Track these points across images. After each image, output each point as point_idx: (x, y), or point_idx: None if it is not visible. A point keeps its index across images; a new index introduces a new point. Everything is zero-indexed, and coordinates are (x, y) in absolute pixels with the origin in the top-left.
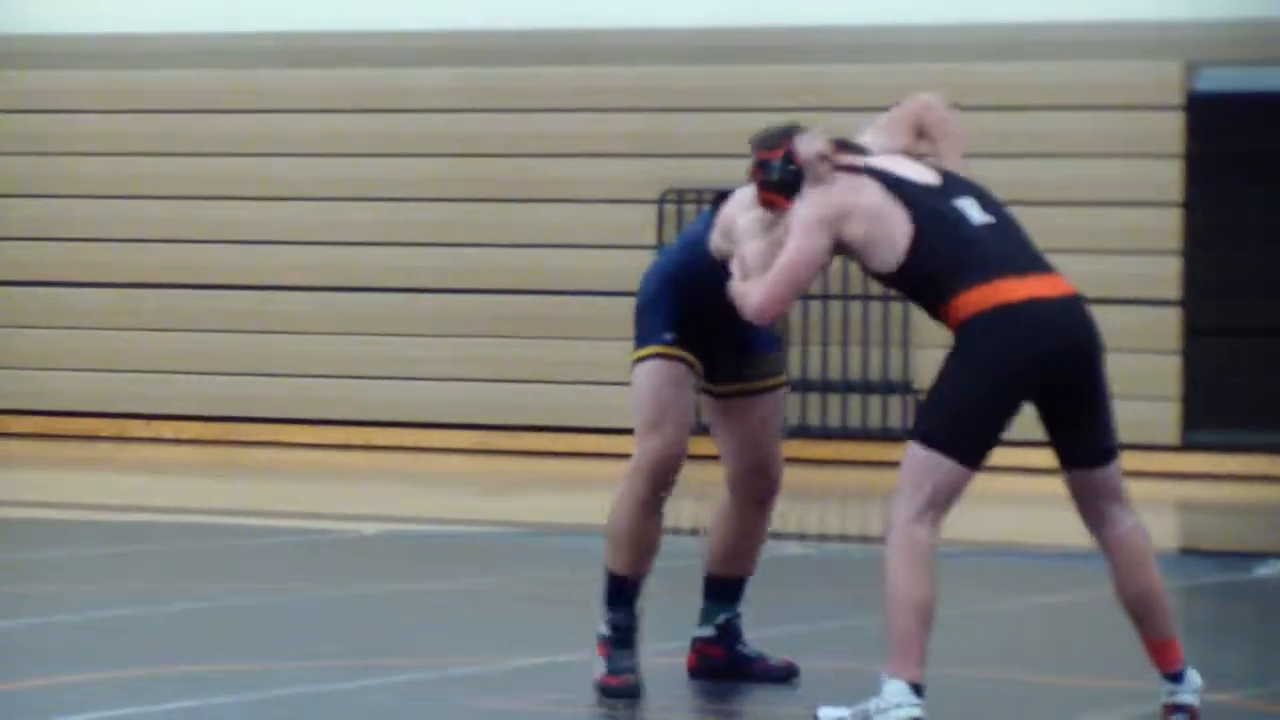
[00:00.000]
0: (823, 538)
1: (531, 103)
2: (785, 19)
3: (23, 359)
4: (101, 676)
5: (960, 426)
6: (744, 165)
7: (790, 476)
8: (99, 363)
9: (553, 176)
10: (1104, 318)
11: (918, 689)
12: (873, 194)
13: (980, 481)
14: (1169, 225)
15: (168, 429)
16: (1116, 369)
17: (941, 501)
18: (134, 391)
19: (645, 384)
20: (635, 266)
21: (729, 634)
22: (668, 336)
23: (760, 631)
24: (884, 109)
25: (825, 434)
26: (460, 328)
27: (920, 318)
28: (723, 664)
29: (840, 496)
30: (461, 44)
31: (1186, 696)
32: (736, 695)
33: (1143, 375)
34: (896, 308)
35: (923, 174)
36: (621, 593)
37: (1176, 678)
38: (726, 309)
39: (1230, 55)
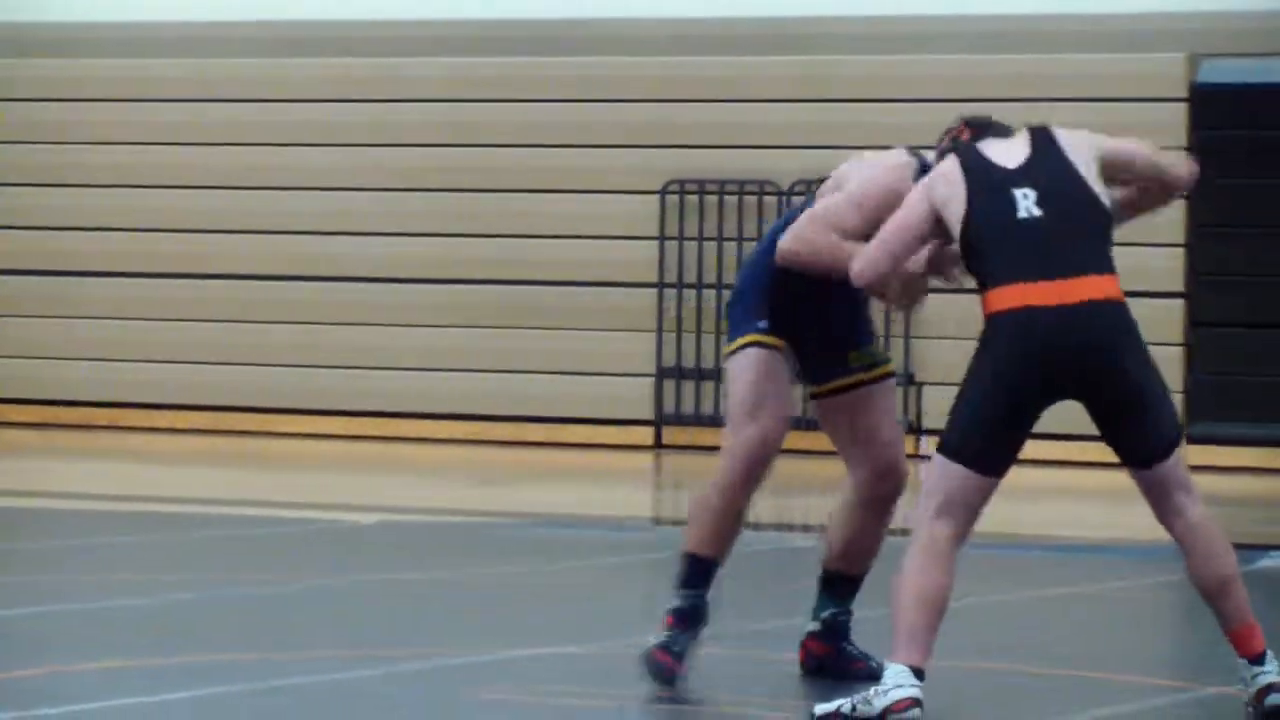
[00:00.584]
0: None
1: (532, 92)
2: (788, 9)
3: (21, 348)
4: (101, 666)
5: (968, 436)
6: (746, 155)
7: (795, 468)
8: (97, 352)
9: (554, 167)
10: None
11: (918, 673)
12: (951, 166)
13: None
14: (1173, 217)
15: (165, 419)
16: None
17: (958, 505)
18: (132, 380)
19: (740, 373)
20: (637, 257)
21: (835, 631)
22: (761, 324)
23: (767, 624)
24: (886, 100)
25: None
26: (459, 318)
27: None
28: (828, 660)
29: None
30: (461, 33)
31: (1274, 676)
32: (738, 687)
33: None
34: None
35: (1008, 154)
36: (696, 574)
37: (1259, 659)
38: (820, 300)
39: (1233, 47)
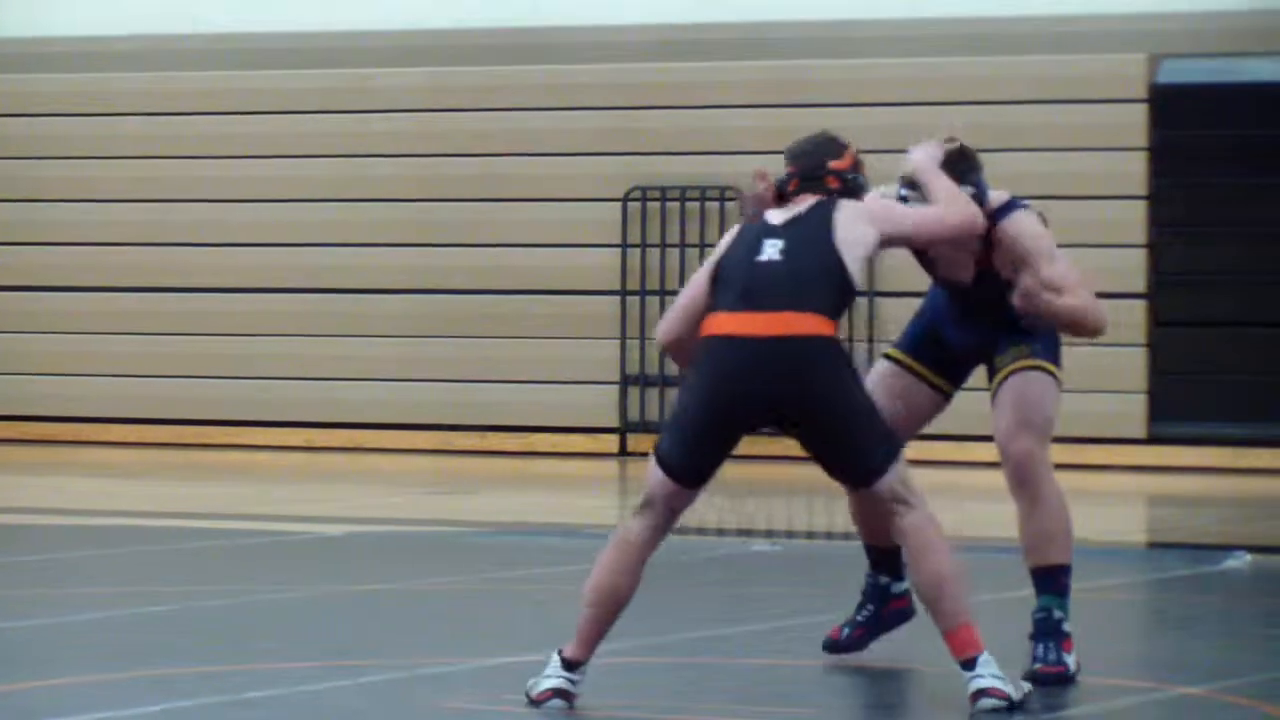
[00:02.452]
0: (790, 534)
1: (496, 101)
2: (752, 14)
3: None
4: (71, 681)
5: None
6: (710, 161)
7: (755, 473)
8: (60, 367)
9: (519, 175)
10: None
11: (569, 664)
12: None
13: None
14: (1134, 218)
15: (131, 433)
16: (1084, 361)
17: (659, 506)
18: (96, 394)
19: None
20: (602, 264)
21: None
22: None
23: (727, 629)
24: (849, 105)
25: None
26: (422, 327)
27: (888, 313)
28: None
29: (808, 492)
30: (426, 43)
31: (985, 681)
32: (694, 695)
33: (1110, 368)
34: (862, 303)
35: (785, 214)
36: None
37: (969, 664)
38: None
39: (1194, 47)
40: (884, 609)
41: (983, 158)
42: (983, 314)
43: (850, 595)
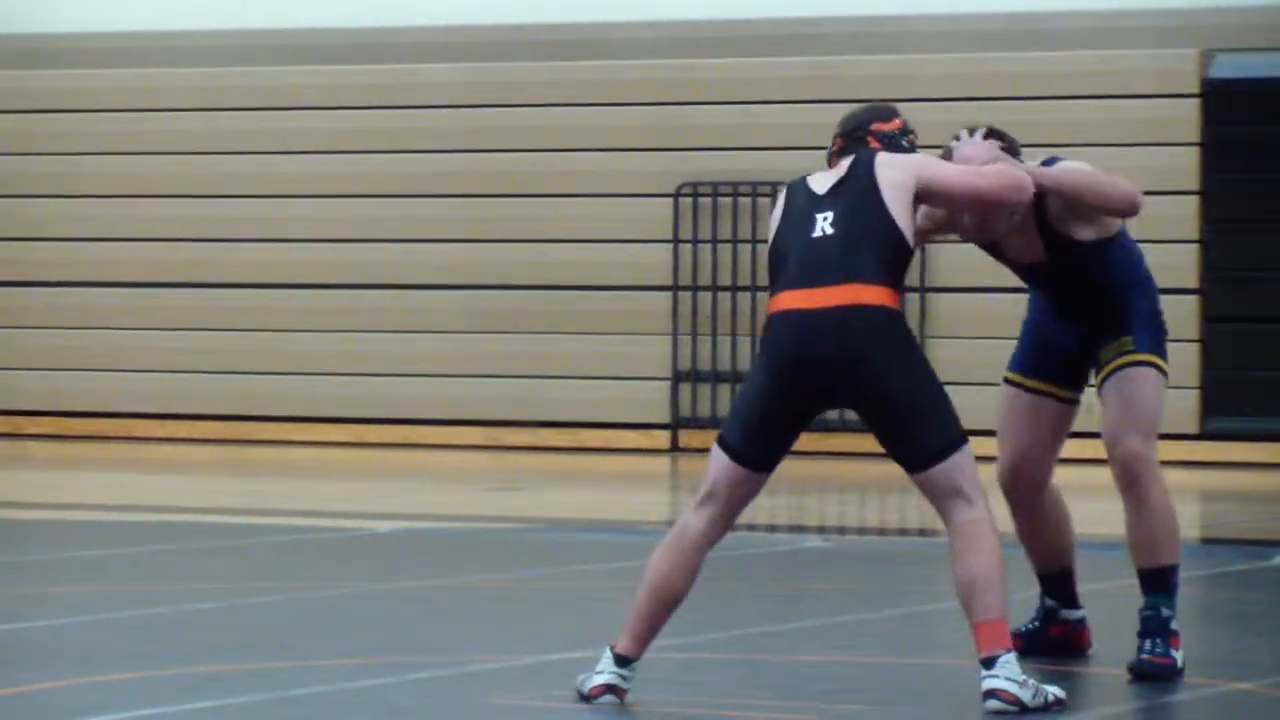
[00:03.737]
0: (842, 530)
1: (545, 97)
2: (799, 9)
3: (34, 359)
4: (118, 677)
5: (731, 429)
6: (760, 157)
7: (808, 469)
8: (108, 362)
9: (567, 171)
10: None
11: (621, 660)
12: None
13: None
14: (1187, 213)
15: (178, 428)
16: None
17: (721, 498)
18: (144, 390)
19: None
20: (651, 260)
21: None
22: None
23: (778, 625)
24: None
25: (843, 426)
26: (473, 323)
27: (935, 309)
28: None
29: (860, 488)
30: (473, 38)
31: (998, 683)
32: (746, 691)
33: None
34: (914, 299)
35: (826, 180)
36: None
37: (988, 663)
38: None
39: (1245, 41)
40: (1048, 629)
41: (1030, 154)
42: (1075, 305)
43: (901, 591)
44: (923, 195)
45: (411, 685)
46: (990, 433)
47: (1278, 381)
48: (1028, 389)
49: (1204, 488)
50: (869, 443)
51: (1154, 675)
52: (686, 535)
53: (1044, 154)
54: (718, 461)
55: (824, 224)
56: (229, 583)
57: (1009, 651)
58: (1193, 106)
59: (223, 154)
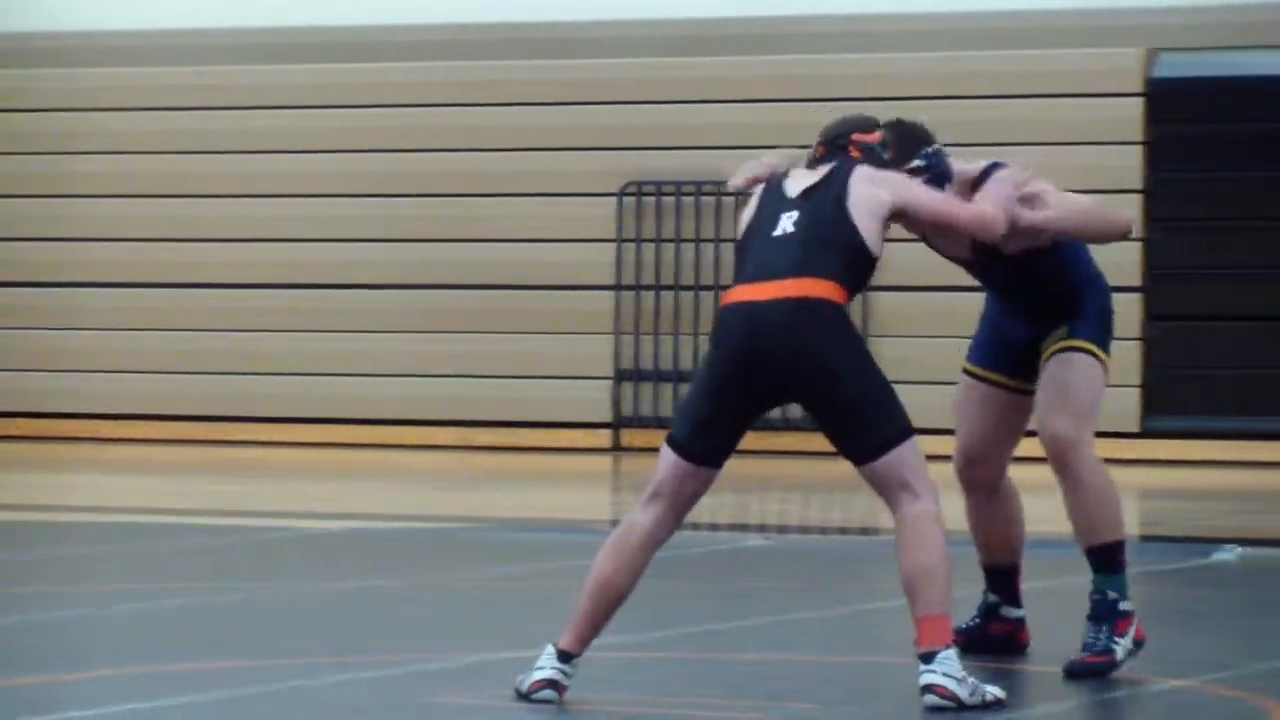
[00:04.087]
0: (784, 529)
1: (491, 97)
2: (746, 10)
3: (6, 360)
4: (81, 676)
5: (679, 424)
6: (705, 156)
7: (750, 468)
8: (77, 363)
9: (512, 170)
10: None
11: (564, 656)
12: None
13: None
14: (1130, 211)
15: (142, 429)
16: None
17: (665, 495)
18: (113, 391)
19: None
20: (595, 259)
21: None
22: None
23: (721, 624)
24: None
25: (786, 425)
26: (417, 323)
27: (878, 307)
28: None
29: (802, 487)
30: (420, 38)
31: (934, 678)
32: (690, 690)
33: None
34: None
35: (801, 183)
36: None
37: (926, 658)
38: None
39: (1190, 41)
40: (989, 626)
41: (977, 153)
42: (1027, 300)
43: (843, 589)
44: (897, 216)
45: (357, 684)
46: (940, 431)
47: (1219, 379)
48: (981, 379)
49: (1145, 485)
50: (811, 441)
51: (1088, 675)
52: (632, 534)
53: (987, 153)
54: (665, 458)
55: (787, 224)
56: (188, 582)
57: (949, 648)
58: (1136, 106)
59: (185, 154)
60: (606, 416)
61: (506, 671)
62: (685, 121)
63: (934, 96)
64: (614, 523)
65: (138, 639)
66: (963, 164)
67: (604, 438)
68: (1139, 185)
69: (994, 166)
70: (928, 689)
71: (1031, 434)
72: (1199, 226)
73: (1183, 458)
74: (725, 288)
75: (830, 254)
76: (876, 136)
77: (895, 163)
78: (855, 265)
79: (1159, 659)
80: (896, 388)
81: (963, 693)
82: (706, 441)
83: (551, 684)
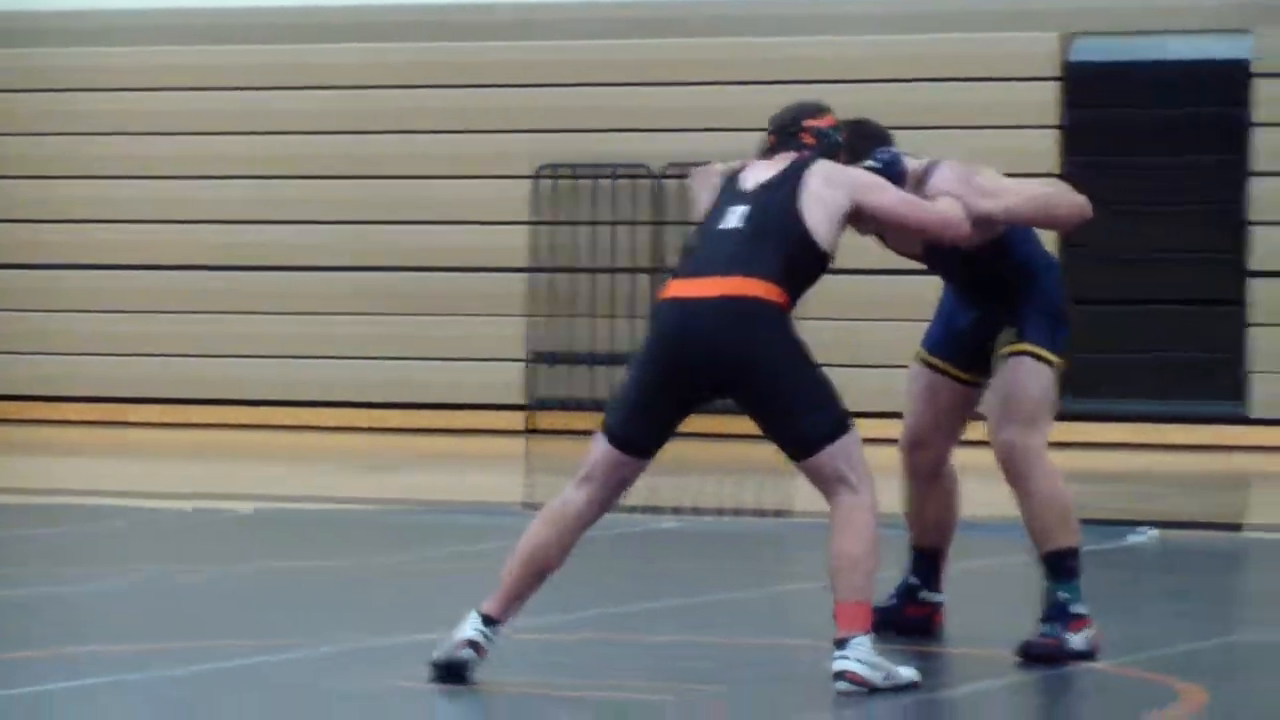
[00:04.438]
0: (699, 512)
1: (405, 79)
2: None
3: None
4: (5, 657)
5: (612, 412)
6: (620, 139)
7: (666, 451)
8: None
9: (426, 153)
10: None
11: (487, 619)
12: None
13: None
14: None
15: (45, 410)
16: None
17: (598, 478)
18: (13, 374)
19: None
20: (510, 242)
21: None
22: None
23: (635, 606)
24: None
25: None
26: (330, 305)
27: (829, 291)
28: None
29: (716, 470)
30: (334, 20)
31: (846, 664)
32: (604, 672)
33: None
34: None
35: (758, 176)
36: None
37: (840, 644)
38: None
39: (1106, 25)
40: (906, 608)
41: (897, 136)
42: (978, 293)
43: (758, 572)
44: (853, 216)
45: (273, 667)
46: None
47: (1136, 363)
48: (933, 367)
49: (1063, 469)
50: (728, 424)
51: (1038, 656)
52: (566, 509)
53: (904, 137)
54: (598, 444)
55: (735, 218)
56: (94, 566)
57: (865, 634)
58: (1053, 90)
59: (93, 135)
60: (520, 399)
61: (421, 654)
62: (600, 104)
63: (850, 80)
64: (526, 505)
65: (43, 622)
66: (910, 161)
67: (517, 420)
68: (1055, 169)
69: (934, 165)
70: (839, 675)
71: (981, 418)
72: (1114, 211)
73: (1101, 440)
74: (639, 271)
75: (775, 252)
76: (829, 120)
77: (851, 158)
78: (802, 264)
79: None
80: (846, 371)
81: (875, 677)
82: (637, 431)
83: (472, 644)
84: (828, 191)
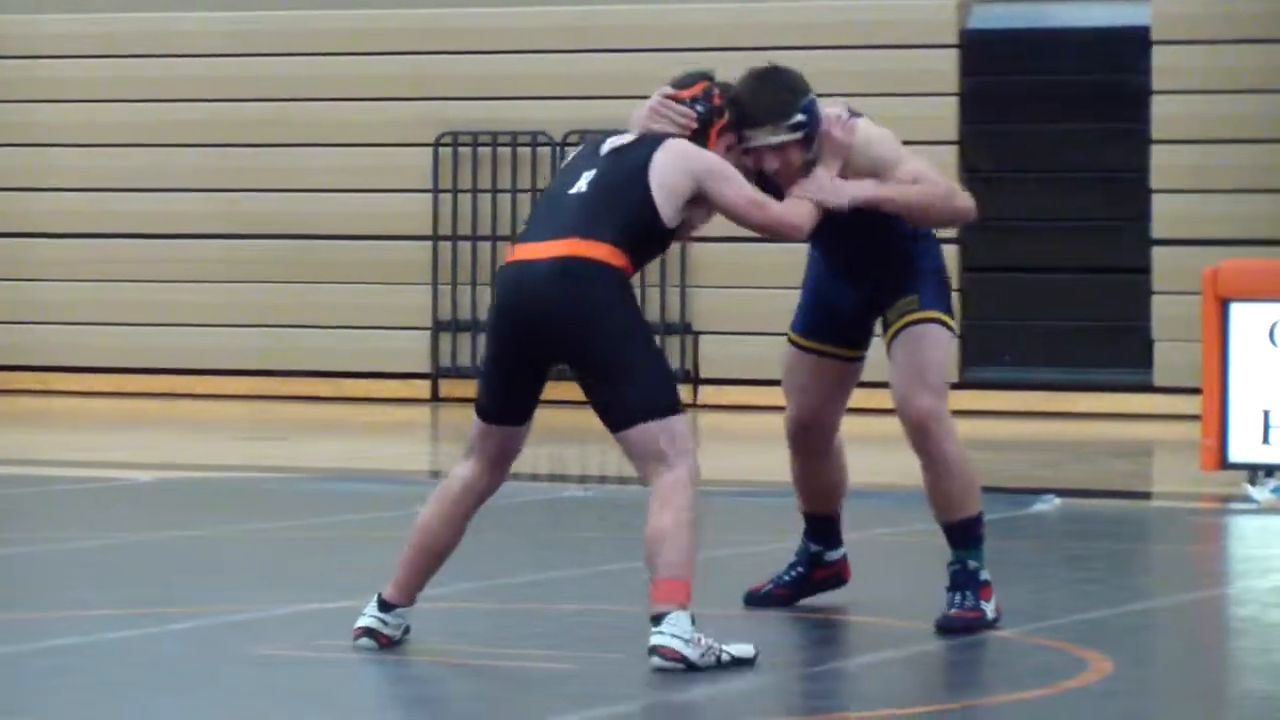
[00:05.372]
0: (603, 479)
1: (305, 46)
2: None
3: None
4: None
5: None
6: (521, 106)
7: (567, 419)
8: None
9: (327, 120)
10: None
11: (383, 604)
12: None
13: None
14: (945, 163)
15: None
16: None
17: (478, 451)
18: None
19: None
20: (411, 210)
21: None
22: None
23: (538, 574)
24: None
25: None
26: (234, 273)
27: (697, 259)
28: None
29: None
30: None
31: (661, 639)
32: (507, 640)
33: None
34: (675, 249)
35: (615, 142)
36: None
37: (655, 619)
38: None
39: None
40: (813, 573)
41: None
42: (857, 264)
43: None
44: (697, 200)
45: (171, 636)
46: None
47: (1034, 330)
48: (809, 350)
49: (962, 436)
50: None
51: (961, 629)
52: (453, 485)
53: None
54: (474, 419)
55: (583, 182)
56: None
57: (682, 609)
58: (950, 57)
59: None
60: (425, 367)
61: (322, 622)
62: (501, 72)
63: (749, 47)
64: (432, 473)
65: None
66: (825, 108)
67: (422, 388)
68: (953, 137)
69: (851, 114)
70: (653, 650)
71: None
72: (1012, 178)
73: (1000, 409)
74: None
75: (615, 218)
76: (695, 90)
77: (768, 115)
78: (642, 234)
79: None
80: (727, 339)
81: (692, 653)
82: (495, 400)
83: (368, 632)
84: (675, 165)
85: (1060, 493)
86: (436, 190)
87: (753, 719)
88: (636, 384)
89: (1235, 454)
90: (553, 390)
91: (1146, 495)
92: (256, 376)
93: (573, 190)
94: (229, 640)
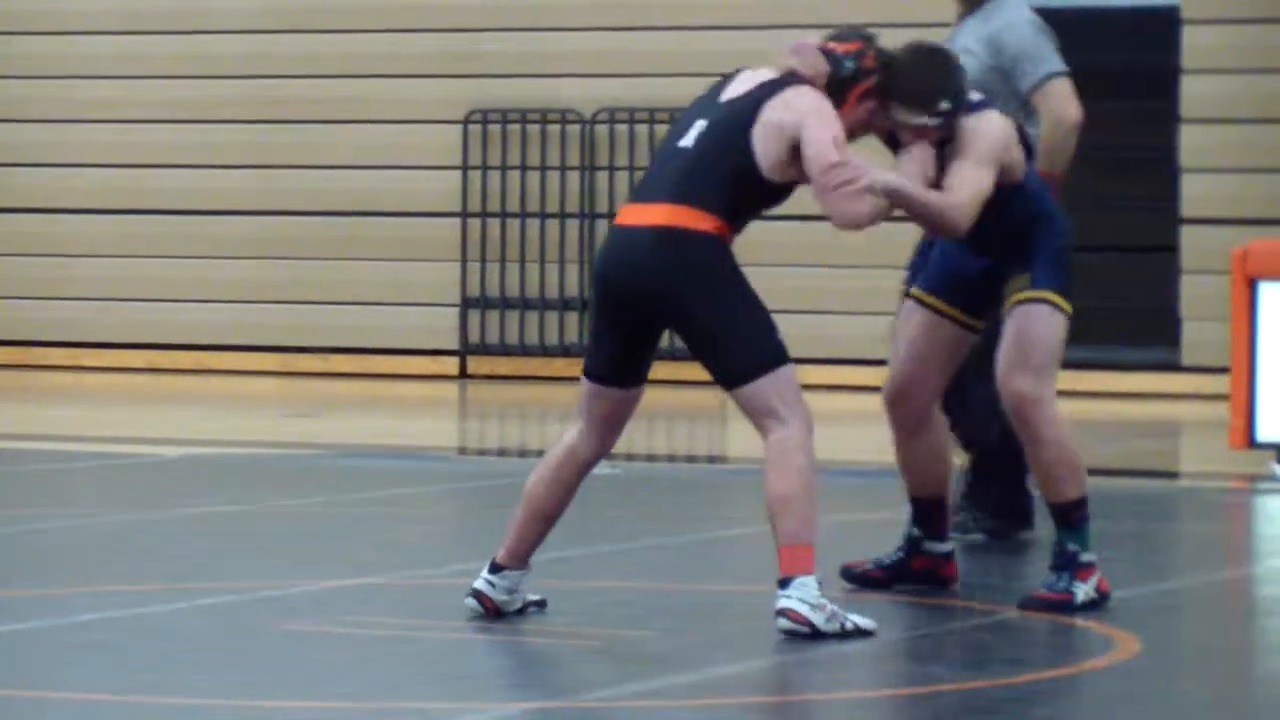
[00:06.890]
0: (631, 457)
1: (337, 23)
2: None
3: None
4: None
5: (588, 349)
6: (550, 84)
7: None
8: None
9: (358, 97)
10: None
11: (494, 567)
12: None
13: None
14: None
15: None
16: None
17: (587, 417)
18: None
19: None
20: (441, 187)
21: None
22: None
23: (569, 551)
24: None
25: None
26: (265, 250)
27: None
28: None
29: (649, 415)
30: None
31: (788, 603)
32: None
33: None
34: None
35: (736, 89)
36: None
37: (783, 583)
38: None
39: None
40: (912, 561)
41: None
42: (978, 235)
43: (692, 517)
44: (797, 145)
45: (201, 611)
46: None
47: None
48: (929, 306)
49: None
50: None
51: (1040, 609)
52: (557, 450)
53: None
54: (583, 379)
55: (692, 134)
56: (17, 509)
57: (808, 575)
58: None
59: (16, 79)
60: (454, 344)
61: (351, 599)
62: (531, 49)
63: (783, 25)
64: (460, 450)
65: None
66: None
67: (451, 365)
68: None
69: (986, 103)
70: (780, 613)
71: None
72: None
73: None
74: (570, 217)
75: (715, 178)
76: (850, 46)
77: (921, 99)
78: (744, 192)
79: (998, 589)
80: (807, 319)
81: (818, 618)
82: (601, 362)
83: (476, 594)
84: (778, 115)
85: (1087, 472)
86: (466, 167)
87: (765, 697)
88: (740, 343)
89: (1263, 433)
90: (574, 368)
91: (1174, 475)
92: (287, 353)
93: (681, 143)
94: (256, 616)
